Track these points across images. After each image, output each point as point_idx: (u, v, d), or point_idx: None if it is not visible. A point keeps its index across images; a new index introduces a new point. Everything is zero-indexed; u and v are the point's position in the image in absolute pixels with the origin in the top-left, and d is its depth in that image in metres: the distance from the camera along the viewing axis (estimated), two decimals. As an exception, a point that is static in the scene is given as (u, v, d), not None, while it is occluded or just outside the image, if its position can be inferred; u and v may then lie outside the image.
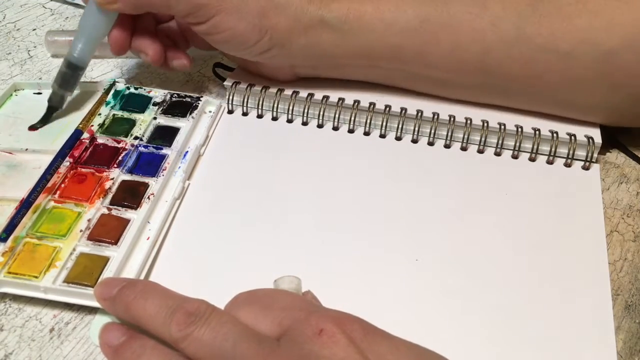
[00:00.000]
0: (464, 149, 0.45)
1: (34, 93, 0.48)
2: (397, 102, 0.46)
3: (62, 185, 0.40)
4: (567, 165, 0.43)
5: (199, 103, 0.46)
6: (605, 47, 0.39)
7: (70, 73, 0.44)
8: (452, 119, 0.44)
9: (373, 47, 0.43)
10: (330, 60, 0.44)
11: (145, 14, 0.44)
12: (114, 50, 0.44)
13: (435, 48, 0.42)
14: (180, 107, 0.46)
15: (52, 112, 0.45)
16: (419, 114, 0.45)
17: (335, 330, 0.26)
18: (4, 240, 0.36)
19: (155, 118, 0.45)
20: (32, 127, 0.45)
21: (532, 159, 0.44)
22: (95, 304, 0.33)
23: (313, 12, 0.42)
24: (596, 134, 0.43)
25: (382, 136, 0.45)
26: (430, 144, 0.45)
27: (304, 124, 0.47)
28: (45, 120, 0.45)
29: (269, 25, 0.42)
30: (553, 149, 0.43)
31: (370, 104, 0.45)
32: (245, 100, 0.47)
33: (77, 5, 0.59)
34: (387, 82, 0.46)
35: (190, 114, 0.45)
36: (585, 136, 0.43)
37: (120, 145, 0.43)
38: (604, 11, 0.39)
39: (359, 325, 0.27)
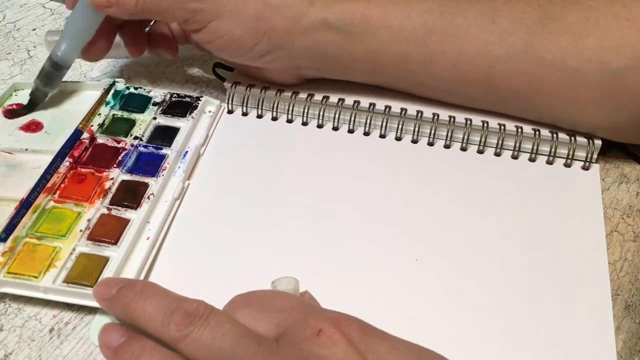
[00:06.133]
0: (463, 149, 0.45)
1: (34, 93, 0.48)
2: (397, 102, 0.46)
3: (62, 185, 0.40)
4: (567, 165, 0.43)
5: (198, 103, 0.46)
6: (613, 66, 0.39)
7: (54, 72, 0.45)
8: (452, 119, 0.44)
9: (377, 52, 0.43)
10: (334, 63, 0.44)
11: None
12: (90, 56, 0.45)
13: (440, 58, 0.42)
14: (180, 107, 0.46)
15: (34, 107, 0.46)
16: (419, 114, 0.45)
17: (334, 330, 0.26)
18: (4, 240, 0.36)
19: (155, 118, 0.45)
20: (9, 113, 0.46)
21: (532, 160, 0.44)
22: (95, 304, 0.33)
23: (314, 14, 0.42)
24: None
25: (382, 136, 0.45)
26: (430, 144, 0.45)
27: (304, 124, 0.47)
28: (27, 112, 0.46)
29: (266, 27, 0.42)
30: (553, 150, 0.43)
31: (370, 104, 0.45)
32: (245, 100, 0.47)
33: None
34: (390, 86, 0.46)
35: (190, 114, 0.45)
36: (585, 136, 0.43)
37: (120, 145, 0.43)
38: (614, 31, 0.39)
39: (357, 326, 0.27)
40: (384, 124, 0.45)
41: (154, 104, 0.46)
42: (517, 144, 0.43)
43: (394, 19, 0.42)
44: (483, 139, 0.44)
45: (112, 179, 0.40)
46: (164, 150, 0.43)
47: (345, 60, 0.44)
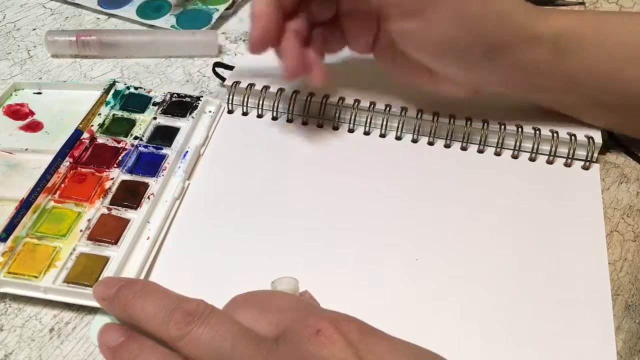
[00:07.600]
0: (464, 148, 0.45)
1: (34, 93, 0.48)
2: (397, 102, 0.46)
3: (62, 185, 0.40)
4: (567, 165, 0.43)
5: (199, 103, 0.46)
6: None
7: None
8: (452, 119, 0.44)
9: (584, 71, 0.39)
10: (528, 79, 0.40)
11: (304, 11, 0.39)
12: (255, 45, 0.38)
13: None
14: (180, 107, 0.46)
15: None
16: (419, 113, 0.45)
17: (333, 331, 0.26)
18: (4, 240, 0.36)
19: (155, 118, 0.45)
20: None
21: (532, 159, 0.44)
22: (95, 304, 0.33)
23: (530, 26, 0.37)
24: (596, 134, 0.43)
25: (382, 136, 0.45)
26: (431, 143, 0.45)
27: (304, 123, 0.46)
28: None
29: (487, 33, 0.37)
30: (553, 149, 0.43)
31: (371, 103, 0.45)
32: (245, 100, 0.47)
33: (77, 5, 0.59)
34: (564, 109, 0.42)
35: (190, 114, 0.45)
36: (586, 136, 0.43)
37: (120, 145, 0.43)
38: None
39: (355, 326, 0.27)
40: (384, 123, 0.45)
41: (154, 104, 0.46)
42: (517, 144, 0.43)
43: (609, 37, 0.38)
44: (483, 139, 0.44)
45: (112, 179, 0.40)
46: (164, 150, 0.43)
47: (540, 78, 0.40)
